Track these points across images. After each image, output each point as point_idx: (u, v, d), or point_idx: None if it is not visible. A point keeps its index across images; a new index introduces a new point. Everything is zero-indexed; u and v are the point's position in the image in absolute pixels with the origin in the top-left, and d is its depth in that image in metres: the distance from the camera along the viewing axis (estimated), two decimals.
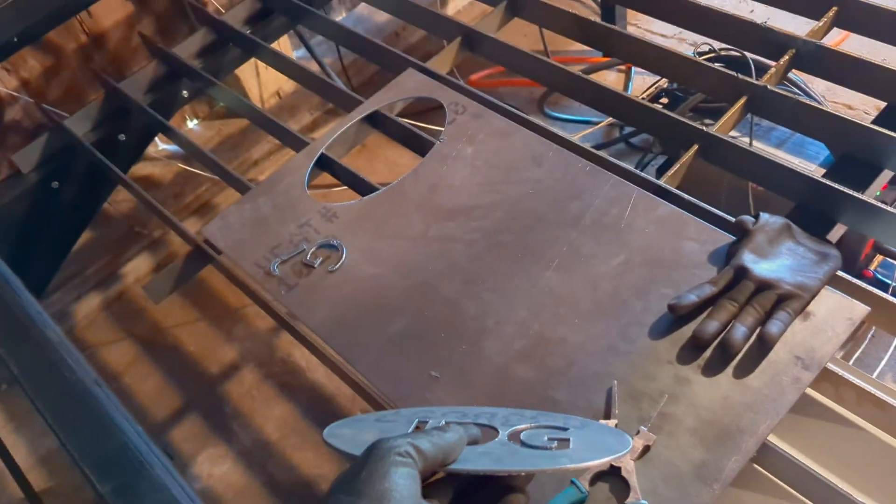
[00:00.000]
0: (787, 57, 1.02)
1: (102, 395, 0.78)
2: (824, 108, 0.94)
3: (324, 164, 1.06)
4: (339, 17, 2.23)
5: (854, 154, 0.95)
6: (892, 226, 0.84)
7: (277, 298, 0.90)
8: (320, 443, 1.66)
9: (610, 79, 2.06)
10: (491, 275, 0.87)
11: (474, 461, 0.48)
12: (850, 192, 0.86)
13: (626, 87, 1.93)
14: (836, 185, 0.87)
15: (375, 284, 0.89)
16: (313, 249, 0.93)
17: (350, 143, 1.10)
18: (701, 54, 1.62)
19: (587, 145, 0.98)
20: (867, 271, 1.44)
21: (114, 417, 0.74)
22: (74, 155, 1.27)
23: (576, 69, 1.11)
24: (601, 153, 0.96)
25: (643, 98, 1.66)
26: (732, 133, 1.44)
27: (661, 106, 1.63)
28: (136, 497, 0.65)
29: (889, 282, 1.44)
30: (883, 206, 0.84)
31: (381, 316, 0.86)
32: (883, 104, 1.02)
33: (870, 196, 0.91)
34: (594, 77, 1.52)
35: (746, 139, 1.43)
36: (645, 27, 2.16)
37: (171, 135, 1.26)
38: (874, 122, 0.98)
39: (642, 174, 0.92)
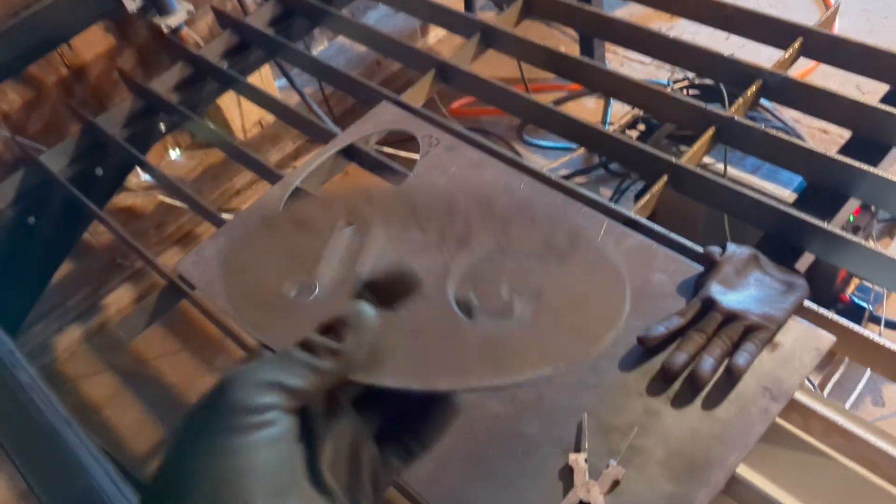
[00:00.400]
0: (754, 88, 1.04)
1: (72, 436, 0.77)
2: (790, 139, 0.95)
3: (299, 197, 1.07)
4: (321, 46, 2.25)
5: (821, 183, 0.96)
6: (857, 256, 0.85)
7: (252, 334, 0.90)
8: None
9: (590, 105, 2.08)
10: None
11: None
12: (816, 222, 0.87)
13: (605, 113, 1.95)
14: (802, 215, 0.88)
15: None
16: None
17: (325, 176, 1.11)
18: (676, 82, 1.64)
19: (564, 171, 0.99)
20: (844, 295, 1.45)
21: (82, 459, 0.74)
22: (50, 190, 1.27)
23: (555, 96, 1.13)
24: (572, 185, 0.97)
25: (620, 125, 1.68)
26: (708, 159, 1.46)
27: (637, 132, 1.65)
28: None
29: (866, 305, 1.45)
30: (847, 236, 0.85)
31: None
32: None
33: (837, 225, 0.92)
34: (573, 104, 1.53)
35: (721, 165, 1.45)
36: (623, 54, 2.19)
37: (147, 169, 1.26)
38: (840, 151, 0.99)
39: (612, 205, 0.93)
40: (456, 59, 1.22)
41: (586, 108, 2.06)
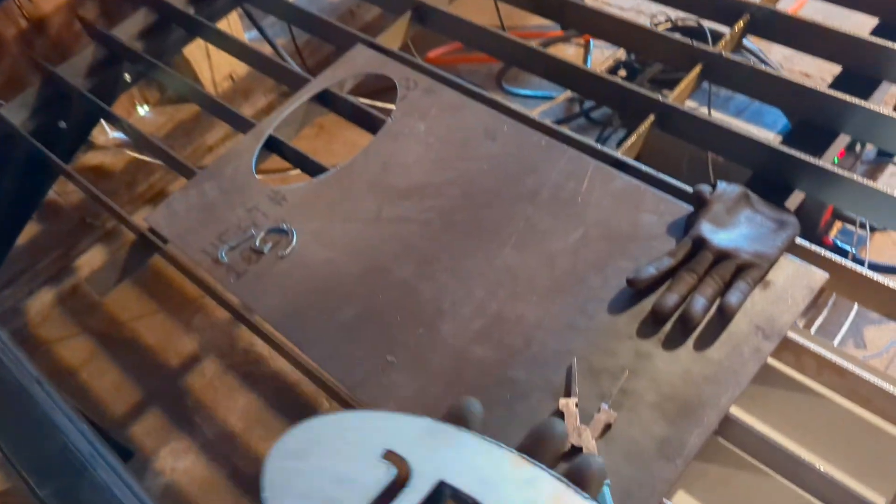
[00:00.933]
0: (741, 23, 1.01)
1: (42, 395, 0.74)
2: (780, 74, 0.93)
3: (272, 146, 1.03)
4: None
5: (810, 120, 0.94)
6: (848, 191, 0.83)
7: (226, 287, 0.87)
8: (285, 432, 1.62)
9: (568, 52, 2.04)
10: (447, 255, 0.84)
11: None
12: (807, 158, 0.85)
13: (584, 61, 1.91)
14: (793, 152, 0.85)
15: (327, 269, 0.86)
16: (262, 235, 0.90)
17: (299, 124, 1.07)
18: (658, 24, 1.60)
19: (546, 120, 0.96)
20: (827, 239, 1.45)
21: (53, 418, 0.70)
22: (13, 145, 1.21)
23: (532, 43, 1.09)
24: (557, 126, 0.94)
25: (601, 71, 1.64)
26: (691, 103, 1.43)
27: (619, 78, 1.61)
28: (77, 500, 0.62)
29: (849, 248, 1.45)
30: (839, 171, 0.83)
31: (334, 301, 0.83)
32: (839, 70, 1.01)
33: (827, 162, 0.90)
34: (553, 50, 1.47)
35: (705, 109, 1.42)
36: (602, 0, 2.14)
37: (113, 121, 1.21)
38: (830, 86, 0.97)
39: (599, 146, 0.90)
40: None
41: (566, 55, 2.01)
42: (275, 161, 1.07)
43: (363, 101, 1.12)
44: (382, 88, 1.10)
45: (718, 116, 1.42)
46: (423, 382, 0.75)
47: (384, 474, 0.40)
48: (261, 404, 1.63)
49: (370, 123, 1.03)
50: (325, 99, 1.07)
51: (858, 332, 1.49)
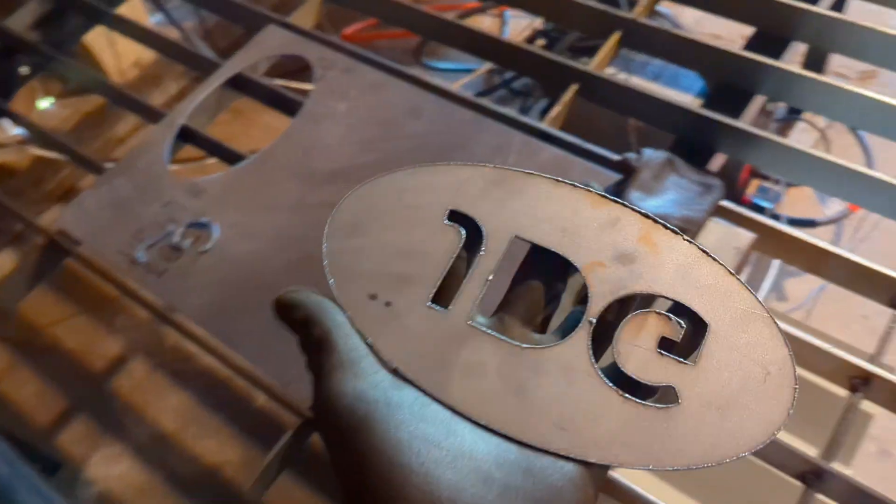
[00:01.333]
0: None
1: None
2: (698, 39, 0.93)
3: (186, 136, 0.98)
4: None
5: (728, 82, 0.95)
6: (766, 151, 0.85)
7: (146, 287, 0.83)
8: (221, 429, 1.56)
9: (485, 24, 2.02)
10: None
11: None
12: (728, 120, 0.86)
13: (501, 32, 1.90)
14: (714, 115, 0.86)
15: (253, 261, 0.83)
16: (181, 230, 0.86)
17: (213, 111, 1.02)
18: None
19: (468, 94, 0.94)
20: (745, 197, 1.49)
21: None
22: None
23: (449, 16, 1.07)
24: (481, 101, 0.92)
25: (520, 41, 1.63)
26: (610, 70, 1.44)
27: (539, 48, 1.61)
28: None
29: (767, 204, 1.49)
30: (758, 131, 0.84)
31: (262, 295, 0.80)
32: (750, 32, 1.02)
33: (745, 123, 0.92)
34: (470, 22, 1.44)
35: (624, 75, 1.43)
36: None
37: (11, 117, 1.13)
38: (744, 48, 0.98)
39: (524, 119, 0.89)
40: None
41: (483, 26, 2.00)
42: (190, 150, 1.02)
43: (280, 82, 1.08)
44: (300, 68, 1.07)
45: (637, 81, 1.43)
46: None
47: (452, 239, 0.36)
48: (193, 402, 1.58)
49: (288, 107, 0.99)
50: (239, 83, 1.03)
51: (780, 287, 1.54)
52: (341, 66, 0.99)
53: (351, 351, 0.34)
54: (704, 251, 0.36)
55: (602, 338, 0.35)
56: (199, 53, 1.09)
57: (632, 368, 0.34)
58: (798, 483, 0.67)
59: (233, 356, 0.81)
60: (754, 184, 1.53)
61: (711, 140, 0.88)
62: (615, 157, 0.83)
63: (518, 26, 1.90)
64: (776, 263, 1.53)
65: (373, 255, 0.37)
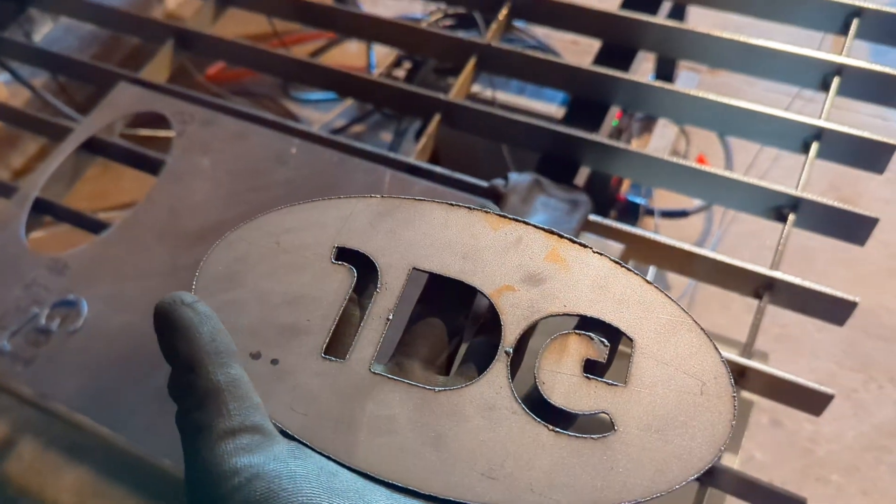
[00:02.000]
0: (505, 10, 1.03)
1: None
2: (547, 57, 0.96)
3: (42, 208, 0.93)
4: (46, 29, 1.98)
5: (584, 95, 0.98)
6: (625, 160, 0.88)
7: (15, 379, 0.78)
8: (125, 499, 1.48)
9: (353, 49, 2.02)
10: None
11: None
12: (584, 135, 0.89)
13: (368, 56, 1.90)
14: (572, 131, 0.89)
15: (128, 334, 0.79)
16: (47, 311, 0.82)
17: (70, 178, 0.97)
18: (432, 13, 1.62)
19: (340, 123, 0.94)
20: (620, 196, 1.54)
21: None
22: None
23: (315, 46, 1.06)
24: (347, 140, 0.92)
25: (387, 66, 1.64)
26: (476, 88, 1.47)
27: (405, 71, 1.62)
28: None
29: (639, 200, 1.56)
30: (612, 143, 0.88)
31: (142, 368, 0.77)
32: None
33: (604, 134, 0.95)
34: (337, 50, 1.43)
35: (490, 92, 1.47)
36: None
37: None
38: (595, 61, 1.02)
39: (392, 155, 0.89)
40: (195, 22, 1.11)
41: (350, 53, 2.00)
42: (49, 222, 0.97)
43: (145, 132, 1.04)
44: (160, 117, 1.03)
45: (504, 97, 1.47)
46: None
47: (343, 280, 0.33)
48: (92, 475, 1.49)
49: (150, 165, 0.96)
50: (95, 146, 0.99)
51: (662, 279, 1.61)
52: (200, 119, 0.96)
53: (246, 418, 0.29)
54: (617, 262, 0.34)
55: (514, 366, 0.33)
56: (47, 119, 1.03)
57: (559, 398, 0.31)
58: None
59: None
60: (626, 182, 1.59)
61: (574, 155, 0.91)
62: (484, 184, 0.85)
63: (383, 50, 1.90)
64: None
65: (251, 307, 0.33)
